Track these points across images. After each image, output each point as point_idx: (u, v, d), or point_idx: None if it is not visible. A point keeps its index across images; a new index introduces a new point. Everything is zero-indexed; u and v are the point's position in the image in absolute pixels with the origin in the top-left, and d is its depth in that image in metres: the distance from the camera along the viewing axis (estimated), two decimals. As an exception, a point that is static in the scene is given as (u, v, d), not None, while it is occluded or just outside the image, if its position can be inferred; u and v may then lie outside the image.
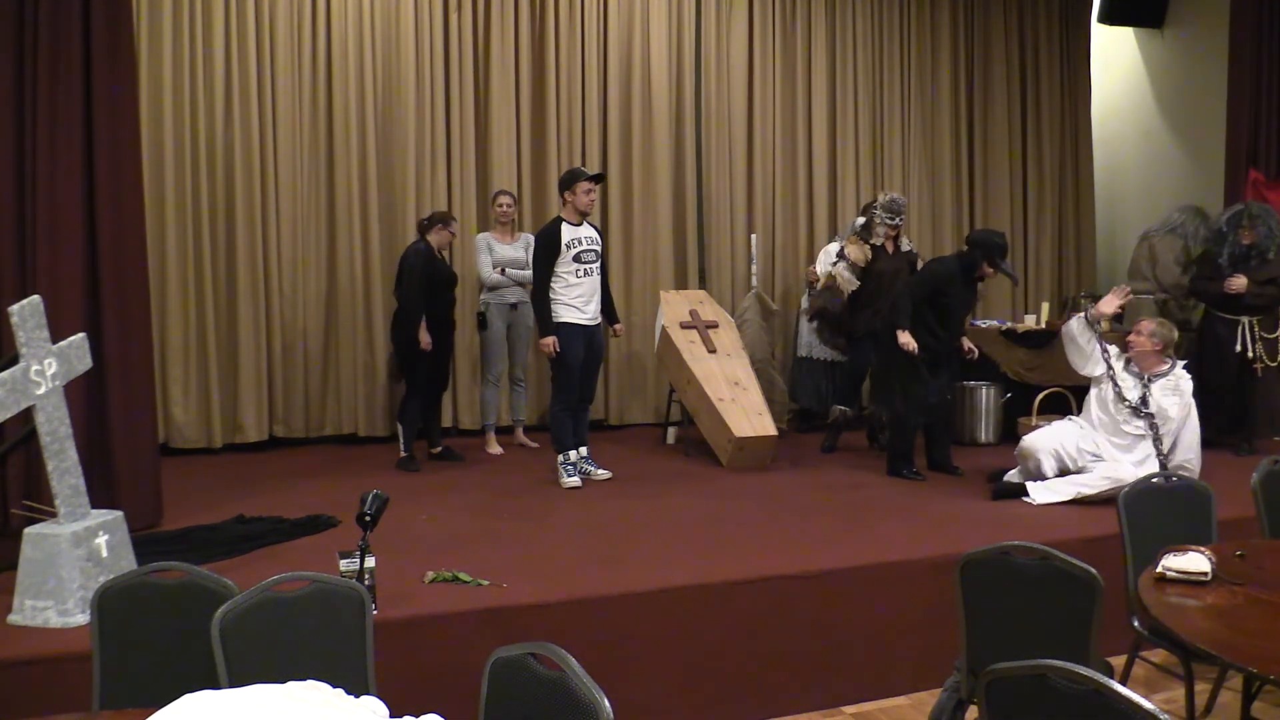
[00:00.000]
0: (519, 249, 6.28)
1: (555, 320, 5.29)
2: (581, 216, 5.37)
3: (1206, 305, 6.32)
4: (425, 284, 5.79)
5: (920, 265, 6.49)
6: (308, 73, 6.61)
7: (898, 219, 6.14)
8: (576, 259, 5.31)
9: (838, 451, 6.31)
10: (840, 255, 6.28)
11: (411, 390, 5.95)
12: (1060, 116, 8.49)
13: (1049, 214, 8.49)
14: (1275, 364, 6.06)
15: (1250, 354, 6.07)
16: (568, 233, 5.31)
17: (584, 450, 5.56)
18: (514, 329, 6.34)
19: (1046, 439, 4.91)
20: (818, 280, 6.53)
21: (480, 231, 6.54)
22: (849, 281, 6.15)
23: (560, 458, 5.40)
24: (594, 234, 5.44)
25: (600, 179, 5.59)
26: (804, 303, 7.13)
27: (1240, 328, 6.10)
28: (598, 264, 5.42)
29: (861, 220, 6.45)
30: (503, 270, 6.18)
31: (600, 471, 5.53)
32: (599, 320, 5.50)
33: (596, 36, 7.22)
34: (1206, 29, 7.79)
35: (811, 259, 7.26)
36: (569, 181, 5.39)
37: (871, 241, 6.18)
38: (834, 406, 6.46)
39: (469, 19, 6.91)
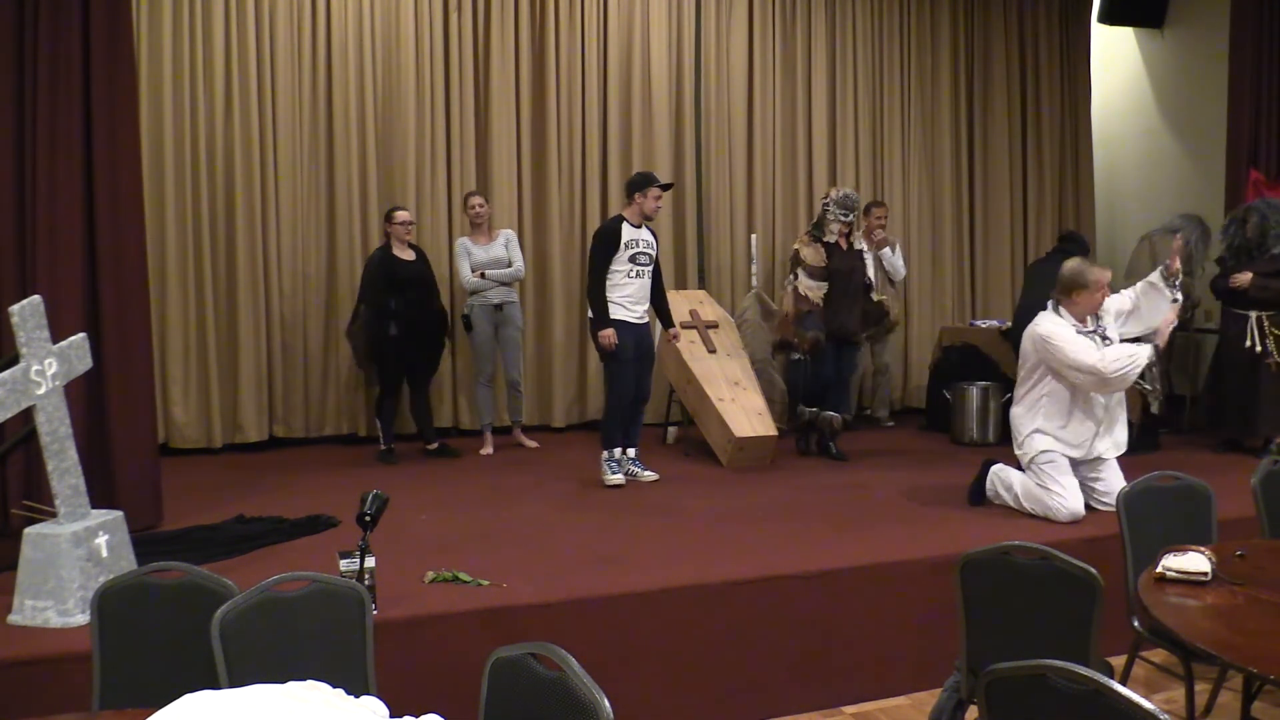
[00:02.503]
0: (498, 248, 6.27)
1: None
2: (644, 220, 5.37)
3: (1222, 303, 6.32)
4: (384, 284, 5.88)
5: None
6: (308, 73, 6.61)
7: (850, 215, 6.02)
8: (632, 259, 5.31)
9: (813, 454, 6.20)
10: (795, 263, 6.04)
11: (381, 387, 6.09)
12: (1060, 116, 8.49)
13: (1049, 214, 8.48)
14: None
15: (1260, 349, 6.03)
16: (627, 233, 5.29)
17: (632, 452, 5.52)
18: (502, 329, 6.32)
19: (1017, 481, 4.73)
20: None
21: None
22: (816, 289, 5.93)
23: (605, 454, 5.39)
24: (651, 238, 5.44)
25: (670, 187, 5.60)
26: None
27: (1249, 323, 6.09)
28: (651, 267, 5.42)
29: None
30: (482, 274, 6.16)
31: (647, 473, 5.49)
32: (646, 320, 5.47)
33: (596, 36, 7.22)
34: (1206, 29, 7.79)
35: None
36: (641, 184, 5.35)
37: (825, 239, 6.01)
38: (804, 408, 6.21)
39: (469, 19, 6.91)
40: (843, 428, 6.19)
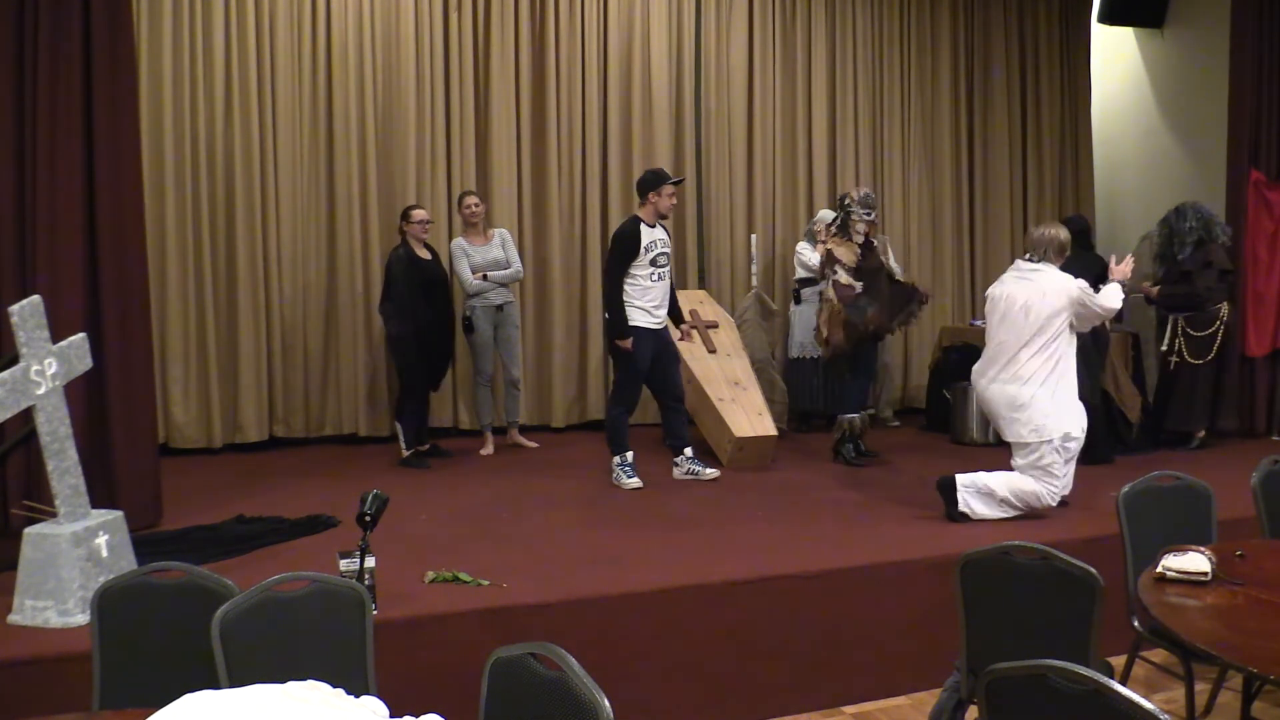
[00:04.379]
0: (495, 249, 6.25)
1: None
2: (659, 219, 5.34)
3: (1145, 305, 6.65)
4: (413, 286, 5.83)
5: (893, 260, 6.39)
6: (308, 73, 6.61)
7: (873, 214, 6.01)
8: (653, 262, 5.26)
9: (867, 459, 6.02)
10: (831, 262, 5.92)
11: (407, 390, 5.99)
12: (1060, 116, 8.49)
13: (1049, 214, 8.47)
14: (1200, 362, 6.26)
15: (1167, 347, 6.34)
16: (646, 235, 5.23)
17: (689, 451, 5.49)
18: (501, 330, 6.31)
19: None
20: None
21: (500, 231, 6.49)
22: (851, 286, 5.86)
23: (616, 459, 5.36)
24: (666, 236, 5.40)
25: (681, 181, 5.57)
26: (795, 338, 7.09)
27: (1167, 325, 6.38)
28: (669, 267, 5.38)
29: (823, 217, 6.34)
30: (484, 276, 6.14)
31: (709, 471, 5.47)
32: (665, 323, 5.43)
33: (596, 36, 7.22)
34: (1206, 29, 7.79)
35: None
36: (654, 183, 5.29)
37: (854, 239, 5.95)
38: (844, 417, 6.03)
39: (469, 19, 6.91)
40: (868, 425, 6.18)
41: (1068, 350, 4.50)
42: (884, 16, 7.97)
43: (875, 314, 5.86)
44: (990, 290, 4.71)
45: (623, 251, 5.23)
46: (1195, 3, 8.00)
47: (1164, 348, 6.38)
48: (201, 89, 6.35)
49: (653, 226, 5.30)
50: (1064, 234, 4.61)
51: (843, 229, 6.00)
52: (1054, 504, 4.53)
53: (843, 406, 6.07)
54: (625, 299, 5.23)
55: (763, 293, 7.33)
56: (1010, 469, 4.62)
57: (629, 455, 5.37)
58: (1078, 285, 4.47)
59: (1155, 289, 6.34)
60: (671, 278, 5.50)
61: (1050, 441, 4.44)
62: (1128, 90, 8.68)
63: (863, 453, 6.04)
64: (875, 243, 6.32)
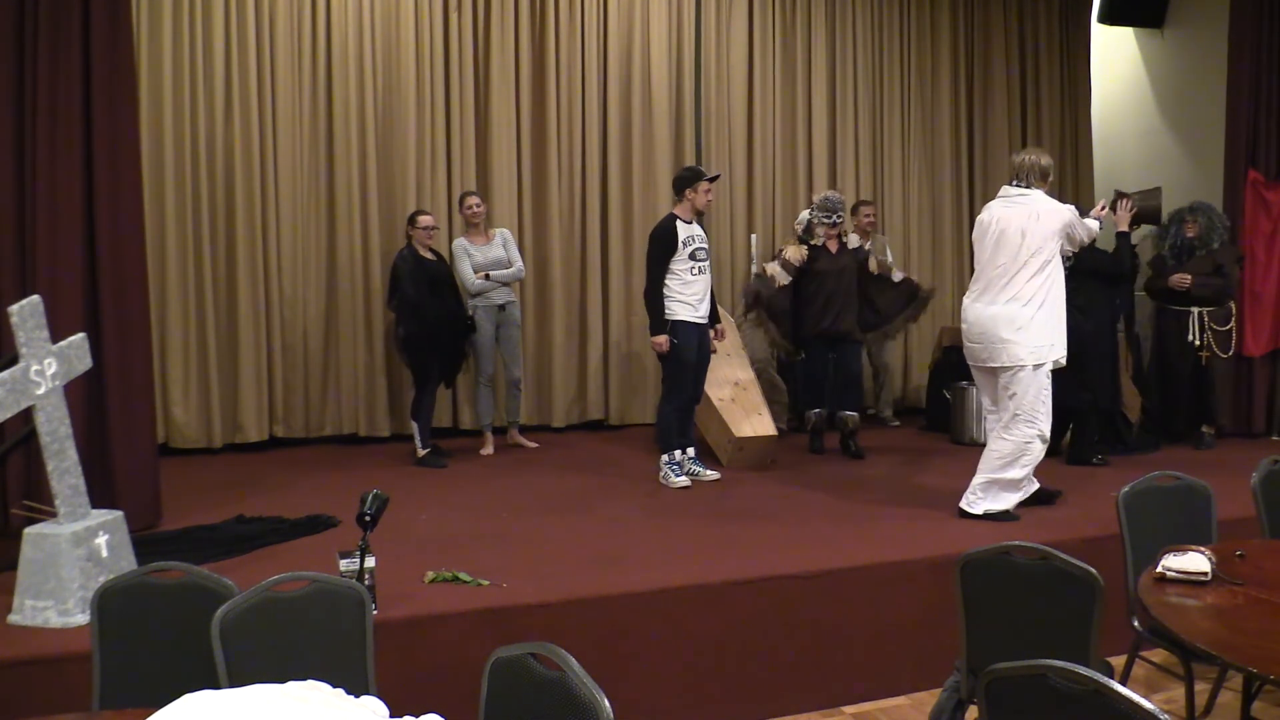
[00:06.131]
0: (497, 248, 6.27)
1: (669, 318, 5.23)
2: (696, 215, 5.36)
3: (1159, 302, 6.56)
4: (420, 285, 5.84)
5: (875, 261, 6.48)
6: (308, 73, 6.61)
7: (834, 217, 6.14)
8: (692, 256, 5.28)
9: (826, 452, 6.29)
10: (777, 256, 6.36)
11: (423, 388, 6.00)
12: (1060, 116, 8.50)
13: (1049, 214, 8.48)
14: (1227, 355, 6.37)
15: (1199, 343, 6.35)
16: (683, 230, 5.26)
17: (691, 451, 5.51)
18: (503, 329, 6.31)
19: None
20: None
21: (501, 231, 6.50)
22: (781, 275, 6.16)
23: (665, 458, 5.37)
24: (703, 232, 5.42)
25: (717, 179, 5.64)
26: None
27: (1190, 319, 6.36)
28: (709, 262, 5.40)
29: (804, 218, 6.46)
30: (486, 275, 6.16)
31: (708, 473, 5.49)
32: (707, 320, 5.45)
33: (596, 36, 7.22)
34: (1206, 29, 7.79)
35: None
36: (691, 179, 5.34)
37: (812, 242, 6.20)
38: (808, 412, 6.36)
39: (469, 19, 6.91)
40: (859, 425, 6.31)
41: (1059, 275, 4.54)
42: (884, 16, 7.97)
43: (756, 290, 6.28)
44: (980, 217, 4.72)
45: (660, 248, 5.27)
46: (1195, 3, 8.01)
47: (1195, 342, 6.34)
48: (201, 89, 6.35)
49: (689, 223, 5.33)
50: (1046, 159, 4.70)
51: (807, 232, 6.28)
52: (1040, 447, 4.51)
53: (831, 403, 6.36)
54: (668, 294, 5.24)
55: (763, 293, 7.32)
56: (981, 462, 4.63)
57: (677, 454, 5.38)
58: (1069, 208, 4.62)
59: (1189, 279, 6.26)
60: (711, 276, 5.52)
61: (1044, 365, 4.46)
62: (1128, 90, 8.69)
63: (852, 452, 6.20)
64: (869, 245, 6.42)
